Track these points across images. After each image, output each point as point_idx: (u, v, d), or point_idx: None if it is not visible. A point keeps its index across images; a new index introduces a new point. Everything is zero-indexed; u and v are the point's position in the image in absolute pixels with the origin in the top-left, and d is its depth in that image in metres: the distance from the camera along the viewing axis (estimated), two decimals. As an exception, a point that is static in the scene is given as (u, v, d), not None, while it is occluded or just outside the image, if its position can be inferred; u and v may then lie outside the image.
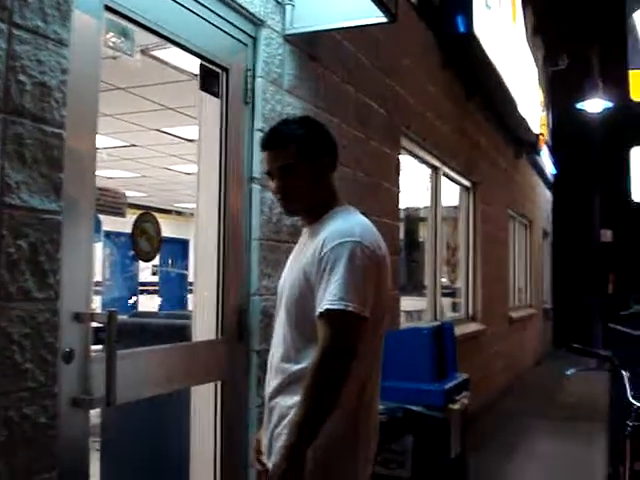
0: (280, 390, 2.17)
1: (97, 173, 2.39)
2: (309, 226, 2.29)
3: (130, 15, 2.58)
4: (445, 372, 4.15)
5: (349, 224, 2.15)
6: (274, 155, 2.25)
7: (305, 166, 2.22)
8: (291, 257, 2.37)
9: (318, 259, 2.08)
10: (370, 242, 2.12)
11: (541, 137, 11.98)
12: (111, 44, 2.70)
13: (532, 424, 7.71)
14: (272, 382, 2.22)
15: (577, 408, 8.68)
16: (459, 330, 6.48)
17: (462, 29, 6.60)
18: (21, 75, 2.00)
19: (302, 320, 2.14)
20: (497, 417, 7.83)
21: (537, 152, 12.44)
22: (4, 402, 1.92)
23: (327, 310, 2.00)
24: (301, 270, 2.15)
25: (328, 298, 2.00)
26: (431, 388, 3.85)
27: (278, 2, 3.44)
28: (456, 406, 4.00)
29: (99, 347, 2.32)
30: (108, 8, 2.44)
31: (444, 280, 7.72)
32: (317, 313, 2.03)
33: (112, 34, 2.68)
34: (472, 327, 7.94)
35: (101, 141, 2.46)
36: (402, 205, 5.65)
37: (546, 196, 16.25)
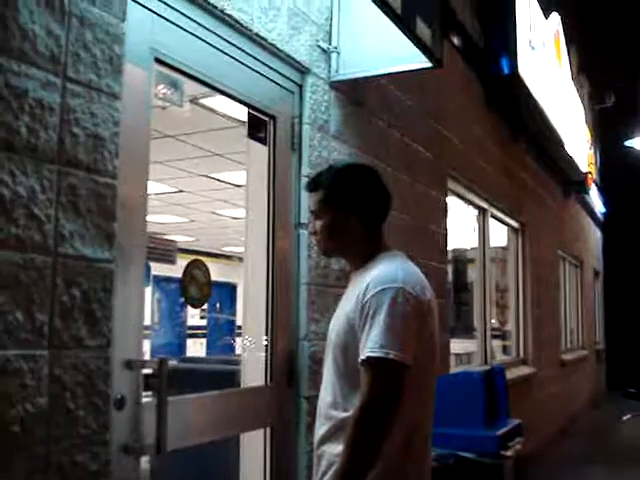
0: (328, 437, 2.15)
1: (147, 219, 2.44)
2: (355, 272, 2.30)
3: (179, 66, 2.64)
4: (497, 417, 4.07)
5: (392, 269, 2.14)
6: (312, 197, 2.36)
7: (331, 212, 2.27)
8: (340, 303, 2.35)
9: (361, 305, 2.08)
10: (413, 287, 2.10)
11: (589, 176, 11.85)
12: (161, 95, 2.77)
13: (586, 470, 7.50)
14: (320, 429, 2.20)
15: (633, 453, 8.42)
16: (510, 374, 6.37)
17: (506, 70, 6.60)
18: (75, 127, 2.05)
19: (348, 367, 2.12)
20: (551, 463, 7.63)
21: (586, 191, 12.29)
22: (57, 449, 1.94)
23: (368, 358, 1.98)
24: (345, 317, 2.15)
25: (369, 345, 1.99)
26: (483, 434, 3.78)
27: (323, 50, 3.49)
28: (509, 452, 3.91)
29: (149, 393, 2.33)
30: (158, 60, 2.50)
31: (494, 322, 7.61)
32: (359, 360, 2.02)
33: (162, 85, 2.75)
34: (523, 370, 7.79)
35: (151, 187, 2.51)
36: (450, 247, 5.61)
37: (596, 235, 16.01)
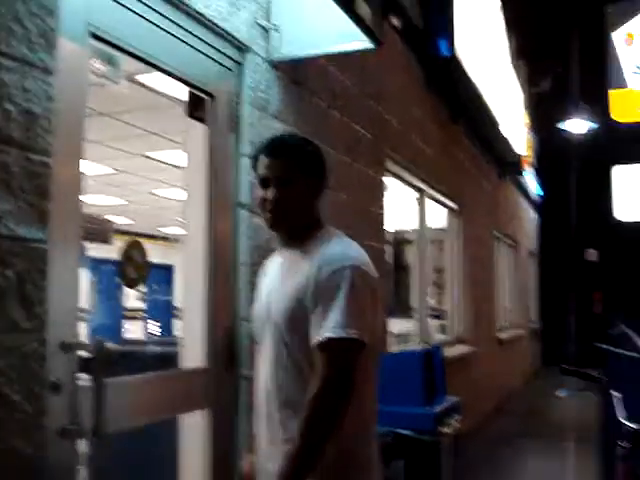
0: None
1: (82, 199, 2.38)
2: (290, 247, 2.21)
3: (116, 42, 2.57)
4: (435, 395, 4.14)
5: (345, 247, 2.13)
6: (277, 164, 2.18)
7: (303, 182, 2.17)
8: (268, 280, 2.28)
9: (314, 283, 2.02)
10: (367, 265, 2.10)
11: (524, 158, 12.06)
12: (97, 71, 2.70)
13: (523, 445, 7.69)
14: (285, 420, 2.07)
15: (567, 429, 8.67)
16: (447, 352, 6.47)
17: (445, 52, 6.66)
18: (7, 103, 1.99)
19: (300, 349, 2.05)
20: (488, 439, 7.80)
21: (520, 172, 12.52)
22: (-9, 434, 1.90)
23: (328, 339, 1.94)
24: (292, 296, 2.07)
25: (330, 326, 1.95)
26: (421, 412, 3.83)
27: (264, 28, 3.45)
28: (447, 429, 3.98)
29: (86, 376, 2.29)
30: (94, 35, 2.43)
31: (431, 302, 7.72)
32: (315, 341, 1.97)
33: (98, 61, 2.68)
34: (460, 349, 7.92)
35: (87, 167, 2.45)
36: (389, 228, 5.65)
37: (531, 217, 16.34)
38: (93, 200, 10.07)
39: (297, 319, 2.05)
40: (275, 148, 2.23)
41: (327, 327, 1.95)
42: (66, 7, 2.24)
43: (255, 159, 2.24)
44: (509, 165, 11.54)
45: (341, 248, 2.11)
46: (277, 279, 2.20)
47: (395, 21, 5.71)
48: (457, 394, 4.72)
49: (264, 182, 2.19)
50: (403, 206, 6.82)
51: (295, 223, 2.20)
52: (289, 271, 2.16)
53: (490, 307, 10.36)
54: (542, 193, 16.14)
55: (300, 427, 1.92)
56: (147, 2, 2.68)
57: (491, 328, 10.27)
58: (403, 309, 7.11)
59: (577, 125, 13.98)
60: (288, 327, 2.07)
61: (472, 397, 7.63)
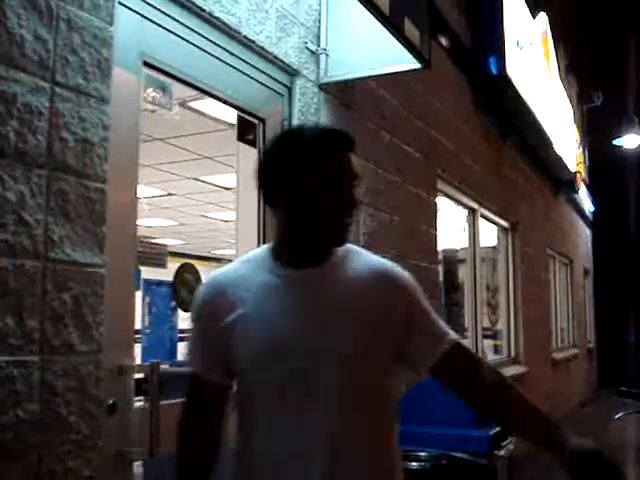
0: None
1: (137, 223, 2.43)
2: (306, 266, 1.71)
3: (168, 70, 2.64)
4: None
5: (375, 256, 1.83)
6: (349, 158, 1.74)
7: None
8: (271, 309, 1.69)
9: (393, 296, 1.71)
10: None
11: (578, 175, 11.89)
12: (150, 98, 2.76)
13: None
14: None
15: (626, 451, 8.45)
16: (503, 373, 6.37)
17: (494, 71, 6.62)
18: (64, 132, 2.04)
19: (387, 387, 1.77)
20: (544, 463, 7.64)
21: (575, 190, 12.33)
22: (49, 455, 1.93)
23: (458, 340, 1.76)
24: (362, 321, 1.67)
25: (446, 329, 1.76)
26: (476, 434, 3.78)
27: (312, 52, 3.49)
28: (502, 452, 3.92)
29: (141, 398, 2.33)
30: (147, 64, 2.50)
31: (485, 322, 7.62)
32: (449, 340, 1.73)
33: (151, 88, 2.74)
34: (515, 369, 7.80)
35: (140, 190, 2.50)
36: (440, 247, 5.62)
37: (586, 234, 16.07)
38: (147, 222, 10.24)
39: (382, 351, 1.71)
40: (349, 138, 1.77)
41: (445, 330, 1.76)
42: (120, 37, 2.30)
43: (318, 151, 1.70)
44: (563, 183, 11.39)
45: (374, 257, 1.81)
46: (301, 306, 1.68)
47: (443, 41, 5.71)
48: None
49: (352, 180, 1.72)
50: (454, 225, 6.78)
51: None
52: (325, 294, 1.69)
53: (545, 326, 10.19)
54: (596, 209, 15.86)
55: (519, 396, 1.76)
56: (198, 30, 2.74)
57: (546, 348, 10.09)
58: (456, 329, 7.03)
59: (632, 140, 13.71)
60: (362, 361, 1.67)
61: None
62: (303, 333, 1.63)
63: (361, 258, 1.77)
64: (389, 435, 1.74)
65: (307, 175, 1.66)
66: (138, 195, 2.46)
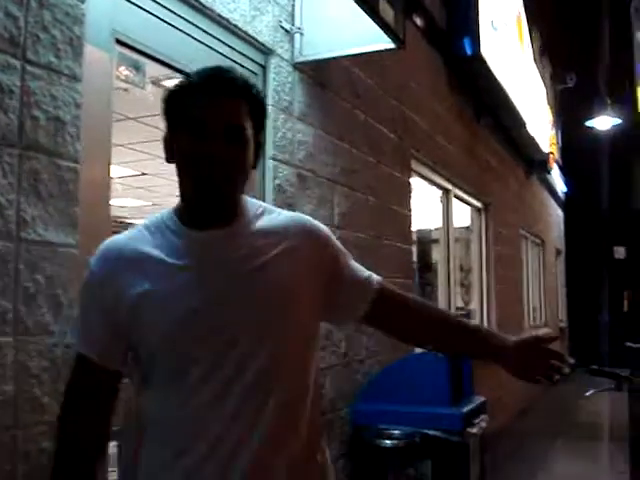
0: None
1: (111, 203, 2.41)
2: (209, 227, 1.54)
3: (140, 48, 2.61)
4: (462, 395, 4.12)
5: (288, 212, 1.71)
6: (229, 106, 1.52)
7: (254, 135, 1.56)
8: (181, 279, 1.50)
9: (320, 245, 1.63)
10: None
11: (551, 156, 11.98)
12: (123, 77, 2.74)
13: (551, 445, 7.64)
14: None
15: (595, 428, 8.60)
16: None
17: (469, 51, 6.63)
18: (35, 110, 2.02)
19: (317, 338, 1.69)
20: (515, 439, 7.76)
21: (548, 171, 12.43)
22: (23, 436, 1.93)
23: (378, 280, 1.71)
24: (289, 274, 1.54)
25: (368, 272, 1.71)
26: (448, 412, 3.82)
27: (287, 31, 3.47)
28: (474, 430, 3.97)
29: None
30: (119, 41, 2.47)
31: (458, 302, 7.69)
32: (375, 281, 1.68)
33: (124, 67, 2.71)
34: (487, 348, 7.87)
35: (114, 170, 2.48)
36: (414, 227, 5.64)
37: (558, 215, 16.22)
38: (120, 202, 10.17)
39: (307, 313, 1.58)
40: (227, 81, 1.55)
41: (369, 273, 1.71)
42: (92, 14, 2.27)
43: (180, 96, 1.55)
44: (536, 163, 11.47)
45: (286, 212, 1.69)
46: (211, 274, 1.50)
47: (418, 21, 5.71)
48: (484, 394, 4.71)
49: (206, 131, 1.48)
50: (428, 205, 6.80)
51: (237, 195, 1.58)
52: (235, 257, 1.52)
53: (517, 306, 10.30)
54: (568, 190, 16.01)
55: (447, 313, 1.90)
56: (171, 8, 2.71)
57: (519, 327, 10.20)
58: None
59: (604, 122, 13.83)
60: (286, 331, 1.53)
61: (499, 397, 7.60)
62: (219, 304, 1.47)
63: (272, 215, 1.62)
64: (313, 406, 1.59)
65: (176, 126, 1.54)
66: (111, 175, 2.44)
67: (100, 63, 2.34)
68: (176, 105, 1.55)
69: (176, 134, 1.54)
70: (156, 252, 1.51)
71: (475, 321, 8.22)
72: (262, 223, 1.58)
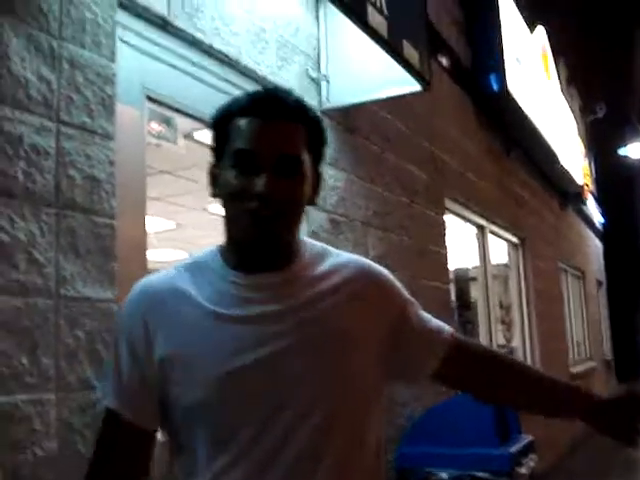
0: None
1: (147, 256, 2.44)
2: (259, 272, 1.34)
3: (170, 103, 2.66)
4: (509, 435, 4.05)
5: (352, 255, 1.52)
6: (282, 132, 1.31)
7: (314, 168, 1.39)
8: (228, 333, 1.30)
9: (384, 301, 1.43)
10: None
11: (585, 187, 11.88)
12: (155, 132, 2.79)
13: (604, 483, 7.44)
14: None
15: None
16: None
17: (496, 87, 6.65)
18: (71, 170, 2.06)
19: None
20: (566, 478, 7.57)
21: (583, 202, 12.32)
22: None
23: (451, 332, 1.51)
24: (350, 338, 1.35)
25: (439, 322, 1.51)
26: (496, 453, 3.75)
27: (313, 79, 3.51)
28: (523, 470, 3.88)
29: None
30: (150, 98, 2.52)
31: (500, 339, 7.59)
32: (447, 335, 1.47)
33: (155, 123, 2.76)
34: (532, 385, 7.74)
35: (149, 223, 2.52)
36: (451, 266, 5.61)
37: (597, 246, 16.02)
38: (157, 255, 10.27)
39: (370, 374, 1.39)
40: (278, 103, 1.33)
41: (440, 324, 1.51)
42: (122, 73, 2.32)
43: (226, 121, 1.34)
44: (571, 195, 11.38)
45: (347, 254, 1.50)
46: (263, 323, 1.31)
47: (443, 60, 5.75)
48: (532, 432, 4.62)
49: (249, 162, 1.29)
50: (464, 243, 6.77)
51: (292, 235, 1.39)
52: (291, 306, 1.33)
53: (561, 341, 10.13)
54: (605, 220, 15.83)
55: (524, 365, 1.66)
56: (199, 62, 2.77)
57: (563, 362, 10.03)
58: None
59: (636, 149, 13.73)
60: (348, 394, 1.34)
61: (547, 434, 7.44)
62: (269, 360, 1.28)
63: (332, 257, 1.44)
64: (373, 464, 1.39)
65: (222, 157, 1.34)
66: (147, 228, 2.47)
67: (132, 120, 2.39)
68: (221, 132, 1.34)
69: (221, 166, 1.34)
70: (196, 297, 1.33)
71: (520, 358, 8.11)
72: (321, 266, 1.40)
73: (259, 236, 1.29)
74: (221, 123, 1.35)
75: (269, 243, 1.31)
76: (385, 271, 1.49)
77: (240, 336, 1.29)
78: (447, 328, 1.50)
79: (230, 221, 1.35)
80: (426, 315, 1.50)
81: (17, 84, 1.95)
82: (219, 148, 1.35)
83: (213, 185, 1.40)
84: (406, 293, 1.49)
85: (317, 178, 1.41)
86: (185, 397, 1.29)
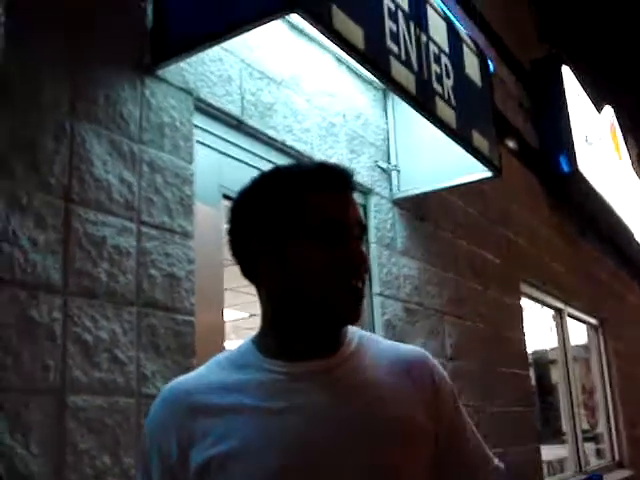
0: None
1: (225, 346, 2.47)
2: (312, 360, 1.24)
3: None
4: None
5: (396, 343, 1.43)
6: (354, 201, 1.30)
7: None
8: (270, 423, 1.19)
9: (431, 393, 1.29)
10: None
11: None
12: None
13: None
14: None
15: None
16: (607, 479, 6.06)
17: (566, 169, 6.59)
18: (151, 269, 2.12)
19: None
20: None
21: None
22: None
23: (498, 466, 1.39)
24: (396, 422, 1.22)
25: (487, 451, 1.38)
26: None
27: (383, 170, 3.56)
28: None
29: None
30: (227, 197, 2.59)
31: (584, 424, 7.30)
32: (494, 465, 1.37)
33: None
34: (621, 474, 7.39)
35: (225, 314, 2.56)
36: (529, 349, 5.48)
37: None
38: (233, 345, 10.34)
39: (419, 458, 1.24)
40: (346, 175, 1.30)
41: (488, 453, 1.39)
42: (200, 174, 2.40)
43: (292, 198, 1.26)
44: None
45: (395, 343, 1.41)
46: (314, 417, 1.19)
47: (511, 144, 5.76)
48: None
49: (336, 233, 1.22)
50: (541, 324, 6.62)
51: None
52: (344, 397, 1.22)
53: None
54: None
55: None
56: (273, 159, 2.84)
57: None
58: (554, 434, 6.75)
59: None
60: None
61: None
62: (319, 457, 1.16)
63: (380, 346, 1.34)
64: None
65: (291, 231, 1.23)
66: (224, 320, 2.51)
67: (210, 219, 2.45)
68: (290, 208, 1.24)
69: (290, 242, 1.22)
70: (232, 393, 1.22)
71: (605, 445, 7.77)
72: (370, 351, 1.29)
73: (357, 313, 1.23)
74: (289, 199, 1.25)
75: (352, 319, 1.24)
76: (441, 370, 1.36)
77: (281, 432, 1.17)
78: (494, 459, 1.39)
79: (312, 300, 1.22)
80: (475, 434, 1.37)
81: (100, 187, 2.03)
82: (283, 223, 1.24)
83: (261, 264, 1.28)
84: (458, 400, 1.37)
85: None
86: None
